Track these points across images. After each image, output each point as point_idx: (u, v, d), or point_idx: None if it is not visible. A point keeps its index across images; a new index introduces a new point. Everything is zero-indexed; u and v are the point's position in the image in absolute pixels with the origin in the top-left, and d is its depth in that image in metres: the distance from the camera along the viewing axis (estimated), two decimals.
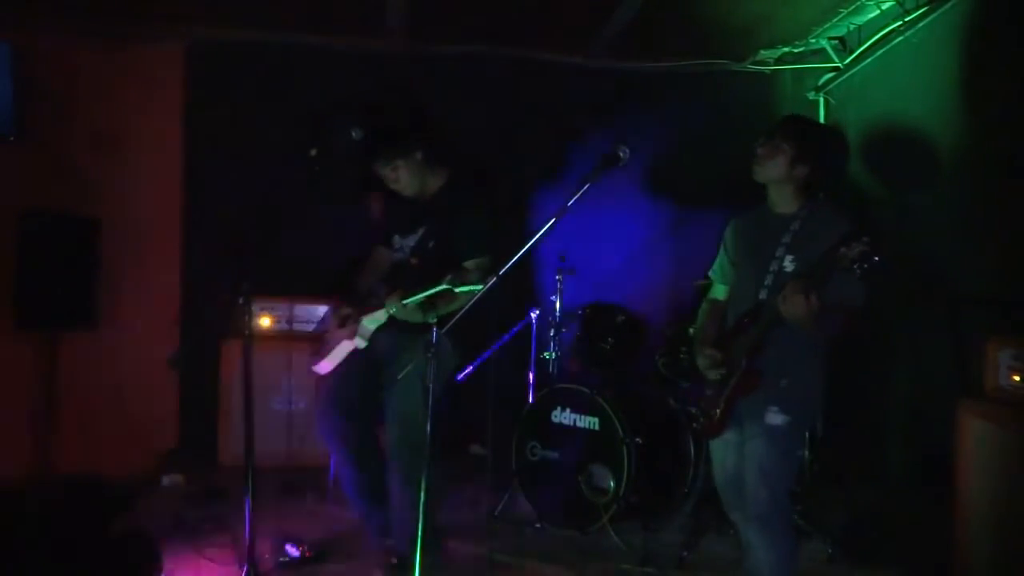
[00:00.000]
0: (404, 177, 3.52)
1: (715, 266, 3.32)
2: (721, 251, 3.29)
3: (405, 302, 3.30)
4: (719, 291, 3.31)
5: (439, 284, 3.14)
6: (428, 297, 3.25)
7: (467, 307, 2.91)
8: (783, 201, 3.04)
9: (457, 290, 3.11)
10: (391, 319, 3.45)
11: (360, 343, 3.50)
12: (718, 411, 3.03)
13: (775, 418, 2.90)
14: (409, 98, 5.23)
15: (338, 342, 3.56)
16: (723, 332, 3.14)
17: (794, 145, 2.97)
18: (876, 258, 2.59)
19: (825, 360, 3.00)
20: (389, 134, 3.58)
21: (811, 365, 2.99)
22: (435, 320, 3.30)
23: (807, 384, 2.99)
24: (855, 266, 2.61)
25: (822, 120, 5.10)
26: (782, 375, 2.92)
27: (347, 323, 3.55)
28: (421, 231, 3.56)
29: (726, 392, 3.01)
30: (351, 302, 3.63)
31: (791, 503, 3.01)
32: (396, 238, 3.67)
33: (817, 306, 2.70)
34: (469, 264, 3.41)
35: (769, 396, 2.92)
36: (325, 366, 3.58)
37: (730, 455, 3.08)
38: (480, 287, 2.99)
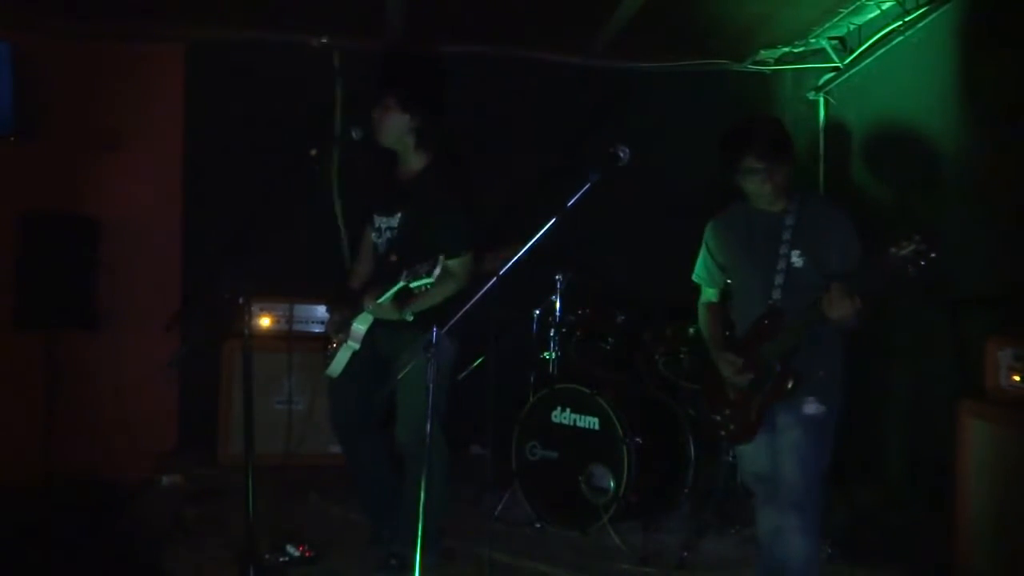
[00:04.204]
0: (386, 125, 3.53)
1: (698, 270, 3.30)
2: (704, 254, 3.27)
3: (379, 301, 3.37)
4: (710, 294, 3.31)
5: (397, 283, 3.25)
6: (397, 295, 3.32)
7: (468, 307, 2.92)
8: (768, 199, 3.02)
9: (412, 285, 3.18)
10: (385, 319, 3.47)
11: (353, 345, 3.52)
12: (753, 417, 3.01)
13: (812, 407, 2.92)
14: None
15: (338, 347, 3.59)
16: (740, 336, 3.12)
17: (780, 161, 2.96)
18: (933, 255, 2.55)
19: (845, 350, 3.03)
20: (405, 74, 3.60)
21: (838, 355, 3.02)
22: (412, 318, 3.36)
23: (838, 373, 3.02)
24: (909, 266, 2.57)
25: (822, 120, 5.11)
26: (817, 367, 2.94)
27: (342, 328, 3.57)
28: (399, 215, 3.57)
29: (760, 398, 2.99)
30: (344, 304, 3.64)
31: (823, 489, 3.02)
32: (376, 218, 3.69)
33: (860, 306, 2.71)
34: (452, 264, 3.43)
35: (807, 387, 2.92)
36: (333, 371, 3.60)
37: (761, 451, 3.07)
38: (429, 280, 3.12)
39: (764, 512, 3.13)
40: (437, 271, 3.11)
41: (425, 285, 3.18)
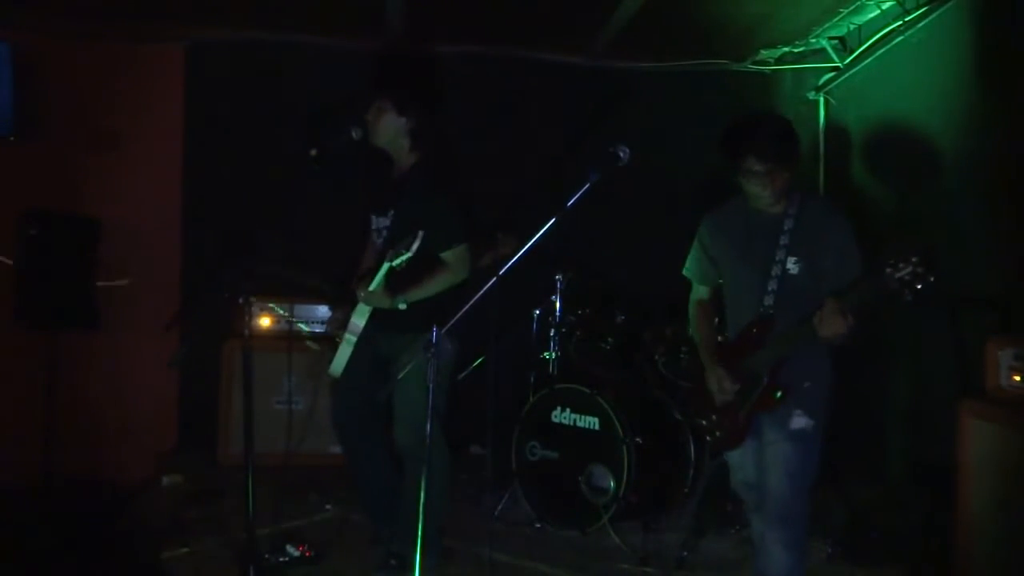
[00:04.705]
0: (381, 126, 3.55)
1: (689, 264, 3.21)
2: (696, 249, 3.18)
3: (370, 288, 3.39)
4: (702, 291, 3.23)
5: (382, 267, 3.29)
6: (386, 280, 3.35)
7: (468, 307, 2.92)
8: (767, 202, 2.93)
9: (394, 263, 3.22)
10: (386, 317, 3.47)
11: (351, 338, 3.53)
12: (739, 425, 2.97)
13: (799, 421, 2.86)
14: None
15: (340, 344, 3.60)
16: (729, 342, 3.07)
17: (784, 166, 2.87)
18: (932, 279, 2.46)
19: (832, 359, 2.98)
20: (398, 76, 3.61)
21: (825, 365, 2.97)
22: (404, 306, 3.38)
23: (825, 384, 2.96)
24: (905, 289, 2.48)
25: (822, 120, 5.12)
26: (804, 378, 2.88)
27: (343, 326, 3.58)
28: (391, 214, 3.59)
29: (747, 407, 2.95)
30: (345, 303, 3.65)
31: (811, 502, 2.96)
32: (373, 219, 3.71)
33: (853, 324, 2.65)
34: (446, 255, 3.44)
35: (793, 400, 2.87)
36: (335, 368, 3.61)
37: (749, 460, 3.04)
38: (408, 254, 3.16)
39: (755, 518, 3.11)
40: (416, 244, 3.16)
41: (406, 260, 3.20)
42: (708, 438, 3.13)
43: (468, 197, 3.66)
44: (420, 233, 3.15)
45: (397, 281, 3.38)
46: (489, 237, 4.23)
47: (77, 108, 5.06)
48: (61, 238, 4.68)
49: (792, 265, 2.88)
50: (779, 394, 2.87)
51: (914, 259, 2.47)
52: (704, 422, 3.12)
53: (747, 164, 2.86)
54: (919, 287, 2.47)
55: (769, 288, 2.90)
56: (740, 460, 3.08)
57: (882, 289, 2.55)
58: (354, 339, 3.53)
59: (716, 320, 3.26)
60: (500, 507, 4.41)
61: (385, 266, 3.30)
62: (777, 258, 2.90)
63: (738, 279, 3.06)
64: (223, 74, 5.27)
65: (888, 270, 2.51)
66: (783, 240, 2.90)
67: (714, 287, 3.22)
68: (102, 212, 4.94)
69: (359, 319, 3.52)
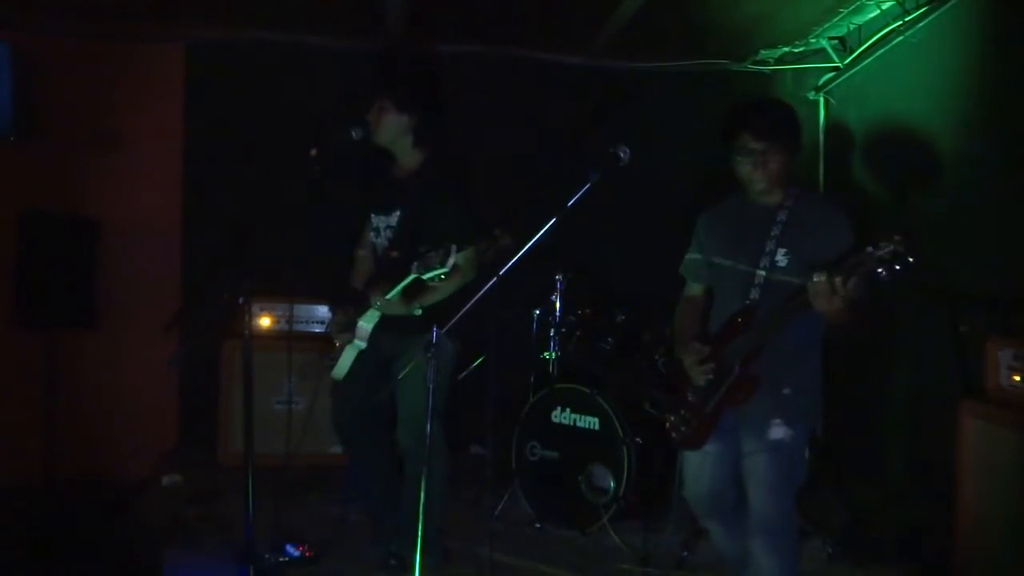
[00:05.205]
0: (382, 125, 3.53)
1: (686, 263, 3.14)
2: (693, 247, 3.11)
3: (387, 297, 3.36)
4: (694, 289, 3.15)
5: (408, 275, 3.22)
6: (405, 289, 3.32)
7: (468, 307, 2.92)
8: (761, 188, 2.86)
9: (424, 277, 3.13)
10: (390, 318, 3.47)
11: (360, 344, 3.52)
12: (706, 421, 2.89)
13: (778, 431, 2.76)
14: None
15: (343, 347, 3.59)
16: (710, 332, 2.98)
17: (779, 146, 2.81)
18: (911, 259, 2.36)
19: (821, 364, 2.91)
20: (400, 74, 3.58)
21: (810, 371, 2.88)
22: (420, 312, 3.36)
23: (808, 391, 2.87)
24: (882, 269, 2.40)
25: (822, 120, 5.12)
26: (783, 383, 2.79)
27: (346, 329, 3.57)
28: (397, 213, 3.57)
29: (713, 401, 2.86)
30: (347, 304, 3.65)
31: (797, 511, 2.87)
32: (373, 217, 3.69)
33: (851, 293, 2.49)
34: (458, 259, 3.41)
35: (771, 407, 2.78)
36: (339, 372, 3.60)
37: (708, 466, 2.94)
38: (444, 269, 3.05)
39: (714, 528, 3.05)
40: (451, 260, 3.05)
41: (440, 275, 3.10)
42: (673, 434, 3.02)
43: (474, 196, 3.66)
44: (453, 248, 3.05)
45: (411, 287, 3.37)
46: (488, 234, 4.23)
47: (77, 108, 5.05)
48: (61, 238, 4.68)
49: (781, 257, 2.80)
50: (744, 394, 2.79)
51: (896, 238, 2.39)
52: (673, 417, 3.01)
53: (741, 141, 2.79)
54: (897, 267, 2.38)
55: (756, 281, 2.83)
56: (697, 470, 2.97)
57: (860, 266, 2.45)
58: (363, 345, 3.52)
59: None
60: (500, 507, 4.41)
61: (411, 276, 3.22)
62: (767, 249, 2.83)
63: (726, 272, 2.96)
64: (223, 74, 5.26)
65: (869, 248, 2.43)
66: (774, 231, 2.83)
67: (707, 287, 3.13)
68: (102, 212, 4.94)
69: (368, 323, 3.50)
